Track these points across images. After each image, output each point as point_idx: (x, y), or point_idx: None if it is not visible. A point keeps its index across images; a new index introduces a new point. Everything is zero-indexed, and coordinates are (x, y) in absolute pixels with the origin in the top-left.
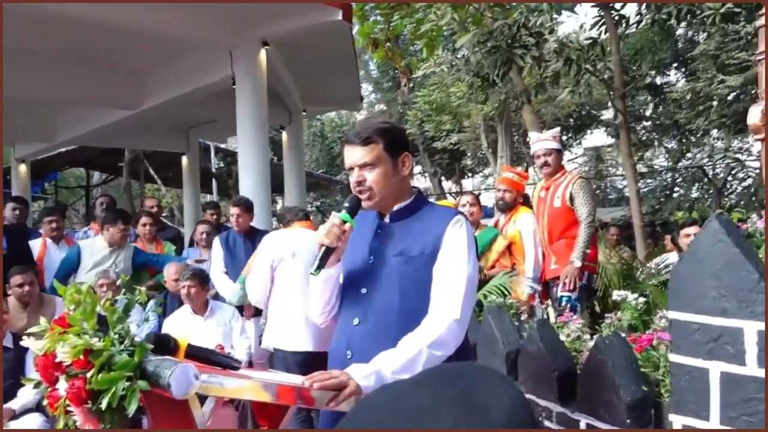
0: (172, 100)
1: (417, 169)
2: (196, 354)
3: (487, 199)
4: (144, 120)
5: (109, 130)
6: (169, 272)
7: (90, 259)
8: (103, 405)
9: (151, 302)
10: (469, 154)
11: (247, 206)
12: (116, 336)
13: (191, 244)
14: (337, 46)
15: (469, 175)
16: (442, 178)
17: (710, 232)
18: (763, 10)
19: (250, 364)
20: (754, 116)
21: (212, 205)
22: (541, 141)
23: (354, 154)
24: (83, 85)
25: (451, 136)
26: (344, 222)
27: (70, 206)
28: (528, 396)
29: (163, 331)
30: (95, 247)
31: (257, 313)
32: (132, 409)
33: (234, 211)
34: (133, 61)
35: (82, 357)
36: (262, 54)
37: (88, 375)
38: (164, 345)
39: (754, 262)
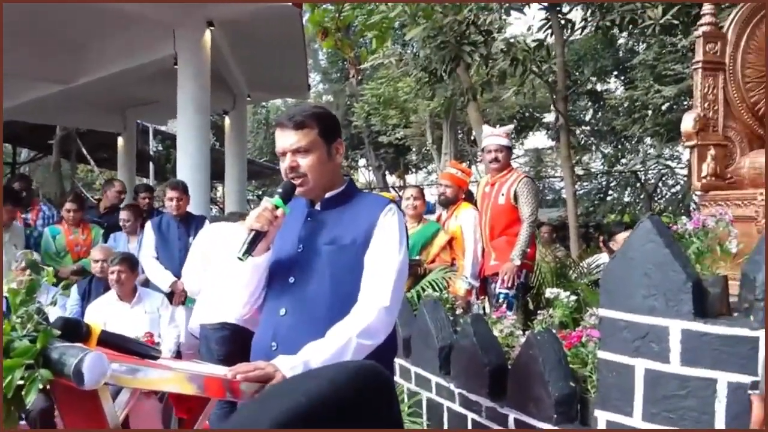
0: (110, 77)
1: (361, 162)
2: (111, 341)
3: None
4: (78, 96)
5: (40, 104)
6: (94, 255)
7: None
8: None
9: (73, 288)
10: (414, 149)
11: (185, 189)
12: (18, 320)
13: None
14: (286, 31)
15: (413, 170)
16: (386, 172)
17: (642, 233)
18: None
19: (179, 354)
20: (687, 123)
21: (145, 188)
22: (494, 136)
23: (287, 139)
24: (12, 55)
25: (397, 131)
26: (277, 207)
27: None
28: (460, 390)
29: (86, 317)
30: None
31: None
32: (30, 399)
33: (173, 194)
34: (68, 33)
35: None
36: (207, 35)
37: None
38: (75, 331)
39: (681, 263)
